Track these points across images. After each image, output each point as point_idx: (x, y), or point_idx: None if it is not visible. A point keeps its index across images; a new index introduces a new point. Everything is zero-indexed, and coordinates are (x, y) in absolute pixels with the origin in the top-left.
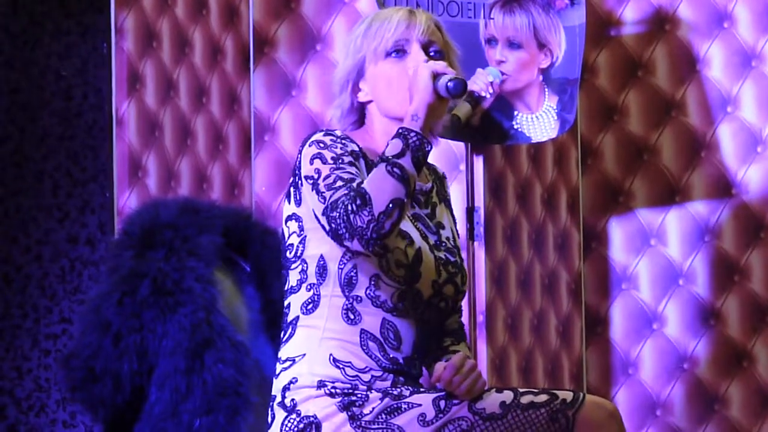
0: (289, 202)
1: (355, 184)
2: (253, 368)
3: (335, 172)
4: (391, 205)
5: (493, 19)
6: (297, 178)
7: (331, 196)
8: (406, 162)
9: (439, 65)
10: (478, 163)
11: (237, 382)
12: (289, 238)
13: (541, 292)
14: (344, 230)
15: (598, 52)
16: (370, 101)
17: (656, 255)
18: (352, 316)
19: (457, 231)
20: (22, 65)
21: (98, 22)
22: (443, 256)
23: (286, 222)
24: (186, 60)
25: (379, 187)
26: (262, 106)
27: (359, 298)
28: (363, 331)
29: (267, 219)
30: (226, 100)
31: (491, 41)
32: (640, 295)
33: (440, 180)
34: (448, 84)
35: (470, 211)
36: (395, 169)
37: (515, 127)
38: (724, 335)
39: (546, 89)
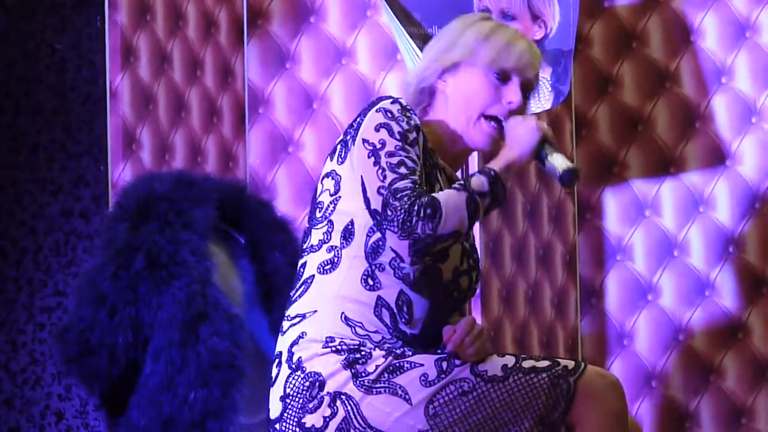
0: (332, 159)
1: (419, 179)
2: (247, 341)
3: (400, 152)
4: (451, 234)
5: None
6: (350, 137)
7: (394, 181)
8: (483, 204)
9: (550, 133)
10: None
11: (232, 354)
12: (320, 195)
13: (535, 263)
14: (400, 224)
15: (592, 23)
16: (442, 92)
17: (651, 226)
18: (371, 282)
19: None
20: (17, 39)
21: None
22: (468, 247)
23: (322, 179)
24: (180, 33)
25: (453, 212)
26: (256, 79)
27: (382, 266)
28: (379, 298)
29: (261, 191)
30: (220, 73)
31: (485, 12)
32: (635, 267)
33: None
34: (563, 175)
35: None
36: (472, 206)
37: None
38: (719, 306)
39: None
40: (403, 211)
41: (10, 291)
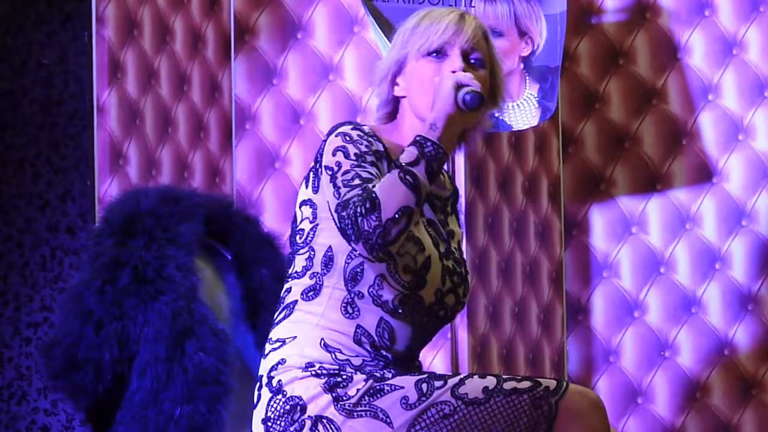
0: (306, 187)
1: (369, 186)
2: (233, 357)
3: (355, 168)
4: (399, 213)
5: (474, 7)
6: (318, 165)
7: (345, 194)
8: (419, 170)
9: (465, 76)
10: (459, 151)
11: (218, 370)
12: (300, 222)
13: (522, 280)
14: (351, 231)
15: (579, 40)
16: (404, 96)
17: (637, 243)
18: (350, 311)
19: (461, 244)
20: (3, 53)
21: (79, 10)
22: (451, 266)
23: (300, 206)
24: (167, 48)
25: (390, 193)
26: (243, 95)
27: (361, 294)
28: (358, 326)
29: (248, 207)
30: (207, 89)
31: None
32: (622, 283)
33: (455, 193)
34: (465, 97)
35: None
36: (407, 177)
37: (496, 115)
38: (706, 323)
39: (527, 77)
40: (349, 218)
41: None
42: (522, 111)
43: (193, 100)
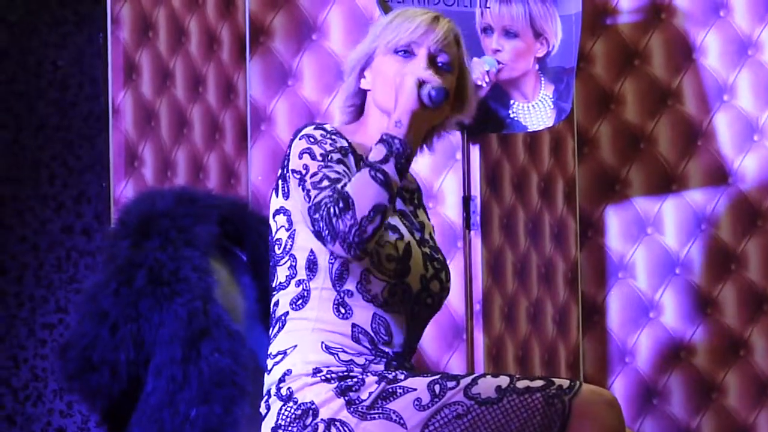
0: (277, 195)
1: (339, 186)
2: (249, 358)
3: (323, 170)
4: (373, 211)
5: (489, 8)
6: (285, 170)
7: (315, 196)
8: (389, 168)
9: (426, 73)
10: (475, 152)
11: (233, 371)
12: (277, 232)
13: (537, 281)
14: (327, 233)
15: (595, 40)
16: (370, 90)
17: (653, 243)
18: (343, 311)
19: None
20: (18, 55)
21: (94, 11)
22: (428, 252)
23: (274, 216)
24: (182, 49)
25: (362, 191)
26: (259, 96)
27: (350, 293)
28: (354, 325)
29: (263, 208)
30: (223, 90)
31: (487, 30)
32: (637, 284)
33: (419, 190)
34: (431, 92)
35: (467, 200)
36: (378, 175)
37: (511, 116)
38: (721, 324)
39: (542, 78)
40: (323, 220)
41: (12, 307)
42: (537, 112)
43: (208, 101)
